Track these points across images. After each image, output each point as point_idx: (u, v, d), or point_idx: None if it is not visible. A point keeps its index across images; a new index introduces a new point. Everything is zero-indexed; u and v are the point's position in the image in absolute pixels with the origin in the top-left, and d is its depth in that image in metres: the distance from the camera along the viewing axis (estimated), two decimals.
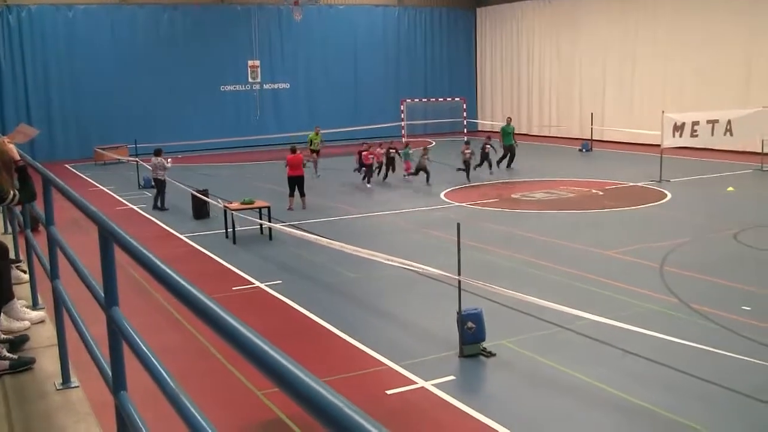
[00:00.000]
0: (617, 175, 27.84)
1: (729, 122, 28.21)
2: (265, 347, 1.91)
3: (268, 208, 19.14)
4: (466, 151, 27.01)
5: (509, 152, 30.41)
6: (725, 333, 11.26)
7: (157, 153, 23.71)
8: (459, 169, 27.35)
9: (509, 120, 32.31)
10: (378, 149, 27.79)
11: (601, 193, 24.59)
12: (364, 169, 26.82)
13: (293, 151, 22.57)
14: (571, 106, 45.23)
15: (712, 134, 28.07)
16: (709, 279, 14.38)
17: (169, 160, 23.74)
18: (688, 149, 28.46)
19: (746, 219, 19.61)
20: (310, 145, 30.26)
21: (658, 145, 27.42)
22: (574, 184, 26.48)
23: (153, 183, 24.13)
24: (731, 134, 28.39)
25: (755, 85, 35.06)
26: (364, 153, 26.94)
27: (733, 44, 36.22)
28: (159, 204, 23.29)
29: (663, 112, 27.37)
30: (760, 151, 30.21)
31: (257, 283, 14.95)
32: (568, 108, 45.36)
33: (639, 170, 28.69)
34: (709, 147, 30.18)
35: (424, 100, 45.01)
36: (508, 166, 30.30)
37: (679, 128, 27.19)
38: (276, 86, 43.97)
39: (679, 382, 9.63)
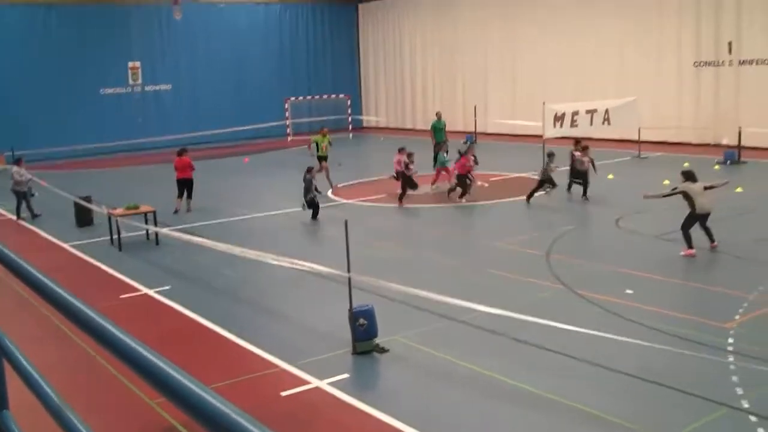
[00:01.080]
0: (502, 167, 28.32)
1: (607, 111, 29.02)
2: (149, 356, 1.93)
3: (154, 212, 18.64)
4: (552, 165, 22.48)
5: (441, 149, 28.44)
6: (611, 317, 11.55)
7: (17, 162, 22.57)
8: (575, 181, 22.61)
9: (439, 115, 30.15)
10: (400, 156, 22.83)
11: (486, 185, 24.92)
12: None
13: (180, 153, 22.07)
14: (455, 100, 45.80)
15: (591, 123, 28.80)
16: (594, 265, 14.73)
17: (23, 171, 22.07)
18: (569, 139, 29.16)
19: (626, 205, 20.23)
20: (318, 150, 25.00)
21: (541, 136, 28.01)
22: None
23: (14, 193, 22.37)
24: (609, 123, 29.24)
25: (629, 75, 36.37)
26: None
27: (608, 35, 37.51)
28: (25, 212, 22.23)
29: (544, 103, 27.94)
30: (637, 139, 31.28)
31: (145, 290, 14.51)
32: (451, 102, 45.88)
33: (523, 161, 29.25)
34: (589, 136, 30.97)
35: (308, 97, 44.87)
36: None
37: (559, 118, 27.79)
38: (158, 88, 42.91)
39: (571, 367, 9.80)
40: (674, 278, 13.78)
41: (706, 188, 15.07)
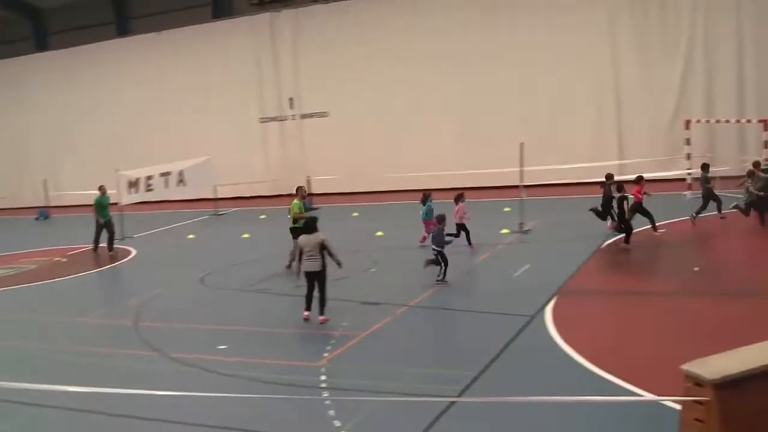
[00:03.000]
0: (80, 239, 27.13)
1: (181, 173, 29.32)
2: None
3: None
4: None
5: (107, 229, 24.30)
6: (209, 375, 11.48)
7: None
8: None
9: (103, 190, 25.02)
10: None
11: (64, 259, 23.71)
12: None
13: None
14: (21, 174, 43.27)
15: (167, 186, 28.90)
16: (184, 326, 14.60)
17: None
18: (146, 204, 28.85)
19: (210, 262, 20.46)
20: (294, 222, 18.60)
21: (116, 204, 27.36)
22: (34, 255, 25.18)
23: None
24: (184, 184, 29.53)
25: (200, 135, 37.12)
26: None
27: (171, 97, 38.01)
28: None
29: (117, 170, 27.39)
30: (213, 197, 31.92)
31: None
32: (17, 176, 43.27)
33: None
34: (167, 198, 30.94)
35: None
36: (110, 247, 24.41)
37: (134, 184, 27.47)
38: None
39: None
40: (264, 327, 14.10)
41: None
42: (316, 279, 13.71)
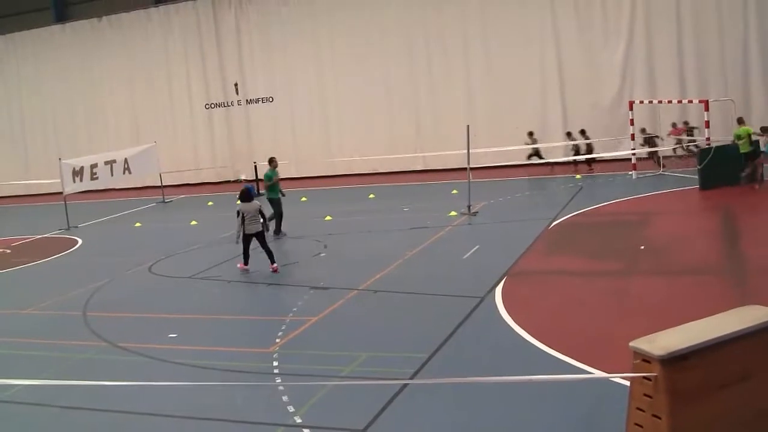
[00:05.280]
0: (22, 230, 26.68)
1: (126, 161, 28.97)
2: None
3: None
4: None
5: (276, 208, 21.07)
6: (159, 363, 11.41)
7: None
8: None
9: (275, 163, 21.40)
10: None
11: (8, 250, 23.29)
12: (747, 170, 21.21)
13: None
14: None
15: (112, 174, 28.54)
16: (133, 315, 14.47)
17: None
18: (91, 192, 28.43)
19: (158, 250, 20.27)
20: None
21: (60, 193, 26.94)
22: None
23: None
24: (130, 172, 29.19)
25: (145, 121, 36.71)
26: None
27: (112, 80, 37.49)
28: None
29: (60, 159, 26.96)
30: (160, 184, 31.59)
31: None
32: None
33: (45, 221, 27.86)
34: (112, 187, 30.56)
35: None
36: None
37: (78, 173, 27.07)
38: None
39: (123, 422, 9.44)
40: (214, 314, 14.05)
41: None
42: (258, 237, 16.57)
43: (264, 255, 16.75)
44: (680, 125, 26.87)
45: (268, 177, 20.82)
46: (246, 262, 16.82)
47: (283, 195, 21.06)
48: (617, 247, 16.18)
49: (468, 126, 21.80)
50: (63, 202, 26.90)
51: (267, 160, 21.43)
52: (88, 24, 38.55)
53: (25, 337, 13.72)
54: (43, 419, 9.95)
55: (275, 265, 16.52)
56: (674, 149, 27.13)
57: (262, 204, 17.37)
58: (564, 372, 9.32)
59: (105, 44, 38.04)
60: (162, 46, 36.96)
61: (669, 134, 25.93)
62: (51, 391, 10.05)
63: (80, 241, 23.49)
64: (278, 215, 20.84)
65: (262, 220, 16.84)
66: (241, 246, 16.70)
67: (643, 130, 26.35)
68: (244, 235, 16.48)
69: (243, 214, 16.38)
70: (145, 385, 9.55)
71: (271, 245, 17.12)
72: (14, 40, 40.29)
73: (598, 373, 9.14)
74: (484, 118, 30.40)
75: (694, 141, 24.68)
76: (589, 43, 30.04)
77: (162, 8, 37.15)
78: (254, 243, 16.72)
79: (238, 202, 17.27)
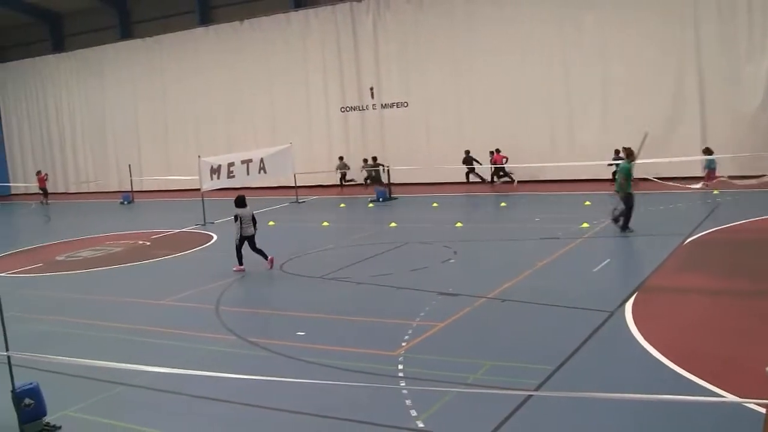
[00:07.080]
0: (162, 224, 27.68)
1: (262, 160, 29.64)
2: None
3: None
4: None
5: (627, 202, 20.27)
6: (287, 360, 11.55)
7: None
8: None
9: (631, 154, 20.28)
10: None
11: (148, 243, 24.21)
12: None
13: None
14: (107, 160, 44.38)
15: (248, 173, 29.22)
16: (264, 311, 14.74)
17: None
18: (227, 190, 29.23)
19: (291, 249, 20.61)
20: None
21: (198, 190, 27.81)
22: (120, 237, 25.79)
23: None
24: (265, 171, 29.84)
25: (282, 123, 37.49)
26: None
27: (257, 85, 38.40)
28: None
29: (199, 156, 27.83)
30: (294, 185, 32.18)
31: None
32: (103, 162, 44.44)
33: (183, 216, 28.84)
34: (247, 186, 31.37)
35: None
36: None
37: (216, 171, 27.86)
38: None
39: (258, 416, 9.60)
40: (342, 315, 14.14)
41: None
42: (249, 240, 18.37)
43: (262, 255, 18.45)
44: None
45: (626, 170, 19.64)
46: (240, 263, 18.43)
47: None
48: (755, 267, 15.37)
49: (646, 133, 20.54)
50: (200, 199, 27.77)
51: (624, 152, 20.20)
52: (230, 27, 39.73)
53: (160, 326, 14.18)
54: (171, 406, 10.23)
55: (271, 257, 18.58)
56: None
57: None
58: (693, 393, 8.88)
59: (245, 46, 39.11)
60: (300, 49, 37.68)
61: None
62: (182, 380, 10.31)
63: (215, 237, 24.17)
64: (629, 209, 19.87)
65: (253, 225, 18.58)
66: (237, 249, 18.45)
67: None
68: (240, 237, 18.31)
69: (240, 219, 18.23)
70: (271, 380, 9.65)
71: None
72: (160, 42, 41.96)
73: (730, 397, 8.67)
74: (620, 128, 29.35)
75: None
76: (733, 55, 28.71)
77: (302, 12, 37.87)
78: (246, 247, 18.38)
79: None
